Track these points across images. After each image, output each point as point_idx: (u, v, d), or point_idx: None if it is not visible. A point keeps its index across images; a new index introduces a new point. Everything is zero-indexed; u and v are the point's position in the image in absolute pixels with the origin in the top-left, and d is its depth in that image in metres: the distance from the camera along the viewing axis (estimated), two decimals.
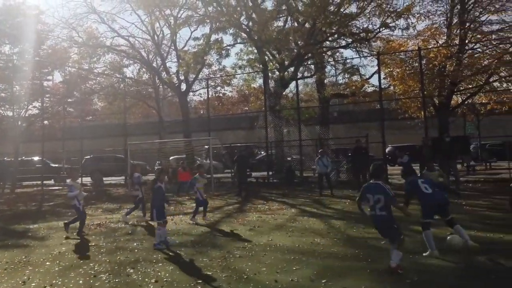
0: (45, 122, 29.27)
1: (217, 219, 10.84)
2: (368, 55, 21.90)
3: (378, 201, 5.56)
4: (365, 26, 20.33)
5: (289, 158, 21.29)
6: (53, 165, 28.93)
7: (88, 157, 29.11)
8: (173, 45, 27.43)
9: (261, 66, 22.35)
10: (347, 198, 14.00)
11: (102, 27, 27.48)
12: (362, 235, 8.08)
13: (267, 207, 12.81)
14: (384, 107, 20.55)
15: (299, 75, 24.15)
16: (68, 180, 10.37)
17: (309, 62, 23.40)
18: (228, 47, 23.53)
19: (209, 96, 28.46)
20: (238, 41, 22.71)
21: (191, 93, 31.07)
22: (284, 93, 24.29)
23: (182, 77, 26.79)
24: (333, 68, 24.72)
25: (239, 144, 24.11)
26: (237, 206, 13.54)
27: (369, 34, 20.71)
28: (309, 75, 24.75)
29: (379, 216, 5.59)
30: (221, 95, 34.49)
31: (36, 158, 28.52)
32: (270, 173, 20.07)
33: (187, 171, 17.38)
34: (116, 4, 25.71)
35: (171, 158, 23.88)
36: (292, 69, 22.17)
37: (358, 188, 15.77)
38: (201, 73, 28.21)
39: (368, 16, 19.51)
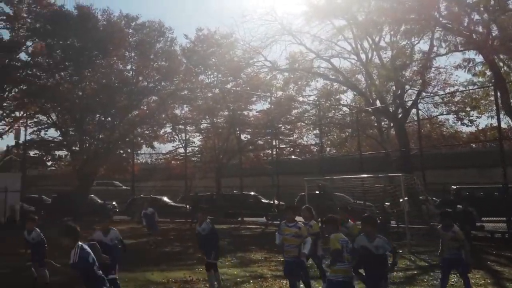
0: (251, 154, 28.02)
1: None
2: None
3: None
4: None
5: None
6: (264, 200, 26.86)
7: (303, 194, 26.20)
8: (379, 60, 21.81)
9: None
10: None
11: (300, 49, 24.20)
12: None
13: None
14: None
15: None
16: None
17: None
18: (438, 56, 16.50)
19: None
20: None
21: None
22: None
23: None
24: None
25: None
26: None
27: None
28: None
29: None
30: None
31: (251, 193, 27.12)
32: None
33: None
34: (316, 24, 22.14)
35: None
36: None
37: None
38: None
39: None
